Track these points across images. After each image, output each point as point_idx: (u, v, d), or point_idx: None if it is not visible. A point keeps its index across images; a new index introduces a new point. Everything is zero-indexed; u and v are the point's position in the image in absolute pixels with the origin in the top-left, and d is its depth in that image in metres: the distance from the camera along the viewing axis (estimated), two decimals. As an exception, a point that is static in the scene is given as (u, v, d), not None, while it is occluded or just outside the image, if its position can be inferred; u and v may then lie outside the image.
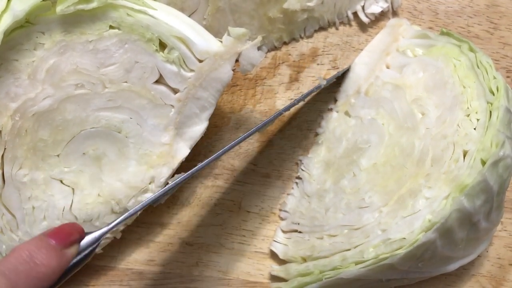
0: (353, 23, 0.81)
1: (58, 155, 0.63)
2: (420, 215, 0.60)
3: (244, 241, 0.75)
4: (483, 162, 0.59)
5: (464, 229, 0.61)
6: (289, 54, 0.80)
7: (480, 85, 0.63)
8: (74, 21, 0.59)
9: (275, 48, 0.80)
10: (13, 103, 0.58)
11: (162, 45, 0.62)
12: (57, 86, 0.60)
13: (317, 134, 0.78)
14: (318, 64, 0.80)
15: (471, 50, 0.67)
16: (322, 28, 0.81)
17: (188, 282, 0.73)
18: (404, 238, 0.60)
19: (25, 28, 0.57)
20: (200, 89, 0.65)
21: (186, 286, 0.73)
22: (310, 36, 0.81)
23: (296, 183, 0.76)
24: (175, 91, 0.64)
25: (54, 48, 0.59)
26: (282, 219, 0.75)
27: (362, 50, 0.80)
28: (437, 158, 0.63)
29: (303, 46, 0.81)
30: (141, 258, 0.73)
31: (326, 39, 0.81)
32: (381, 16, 0.81)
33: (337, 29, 0.81)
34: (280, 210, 0.76)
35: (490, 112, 0.61)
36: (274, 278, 0.73)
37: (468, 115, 0.63)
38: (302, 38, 0.81)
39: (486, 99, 0.62)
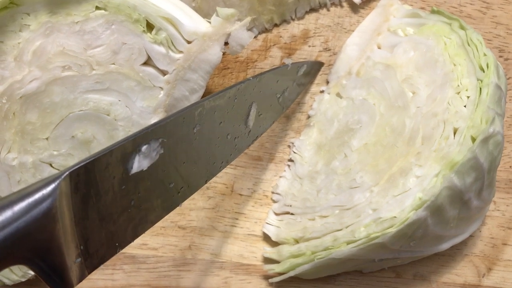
0: (344, 4, 0.80)
1: (46, 138, 0.62)
2: (410, 193, 0.60)
3: (237, 224, 0.75)
4: (473, 139, 0.58)
5: (455, 207, 0.61)
6: (280, 36, 0.79)
7: (470, 62, 0.63)
8: (59, 2, 0.58)
9: (266, 30, 0.79)
10: (0, 85, 0.58)
11: (150, 26, 0.62)
12: (44, 68, 0.59)
13: (309, 117, 0.77)
14: (309, 46, 0.79)
15: (462, 27, 0.66)
16: (313, 10, 0.80)
17: (181, 265, 0.73)
18: (395, 217, 0.60)
19: (10, 9, 0.56)
20: (189, 71, 0.64)
21: (179, 269, 0.73)
22: (301, 18, 0.80)
23: (288, 165, 0.76)
24: (163, 73, 0.64)
25: (40, 29, 0.58)
26: (274, 201, 0.75)
27: (353, 31, 0.79)
28: (427, 136, 0.62)
29: (294, 28, 0.80)
30: (133, 242, 0.73)
31: (318, 20, 0.80)
32: (373, -3, 0.80)
33: (328, 10, 0.80)
34: (272, 192, 0.76)
35: (480, 89, 0.60)
36: (267, 260, 0.73)
37: (458, 93, 0.62)
38: (293, 19, 0.80)
39: (476, 76, 0.62)
